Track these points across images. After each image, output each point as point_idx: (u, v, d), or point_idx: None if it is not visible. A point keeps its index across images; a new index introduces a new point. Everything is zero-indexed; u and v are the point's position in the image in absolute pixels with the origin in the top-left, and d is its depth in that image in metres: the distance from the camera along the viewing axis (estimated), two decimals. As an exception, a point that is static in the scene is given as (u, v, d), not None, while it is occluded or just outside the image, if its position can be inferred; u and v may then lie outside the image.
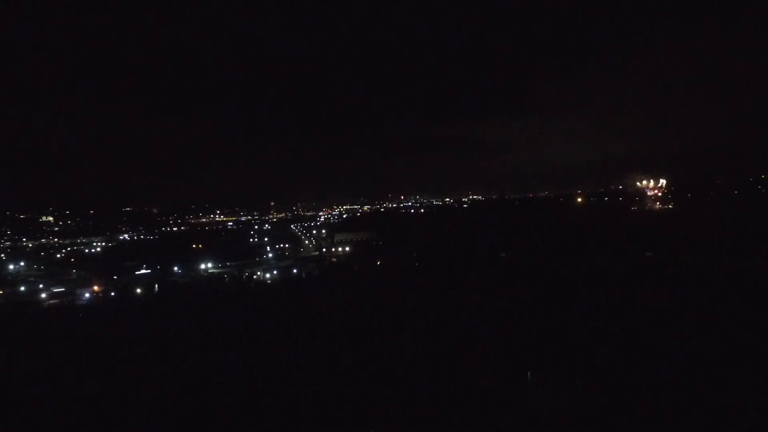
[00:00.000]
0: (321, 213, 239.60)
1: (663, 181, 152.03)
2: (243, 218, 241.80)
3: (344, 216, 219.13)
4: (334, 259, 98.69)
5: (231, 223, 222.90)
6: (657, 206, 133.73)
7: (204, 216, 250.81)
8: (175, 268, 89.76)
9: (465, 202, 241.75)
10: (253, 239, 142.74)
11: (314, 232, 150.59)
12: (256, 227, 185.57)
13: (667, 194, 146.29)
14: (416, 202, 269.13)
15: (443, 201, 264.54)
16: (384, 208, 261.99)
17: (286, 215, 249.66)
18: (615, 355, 31.17)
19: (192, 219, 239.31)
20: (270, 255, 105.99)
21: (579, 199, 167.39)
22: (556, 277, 59.86)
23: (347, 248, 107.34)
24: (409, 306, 48.93)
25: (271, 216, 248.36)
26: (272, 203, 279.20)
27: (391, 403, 27.06)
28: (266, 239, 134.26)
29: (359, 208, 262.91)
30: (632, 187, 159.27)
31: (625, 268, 62.29)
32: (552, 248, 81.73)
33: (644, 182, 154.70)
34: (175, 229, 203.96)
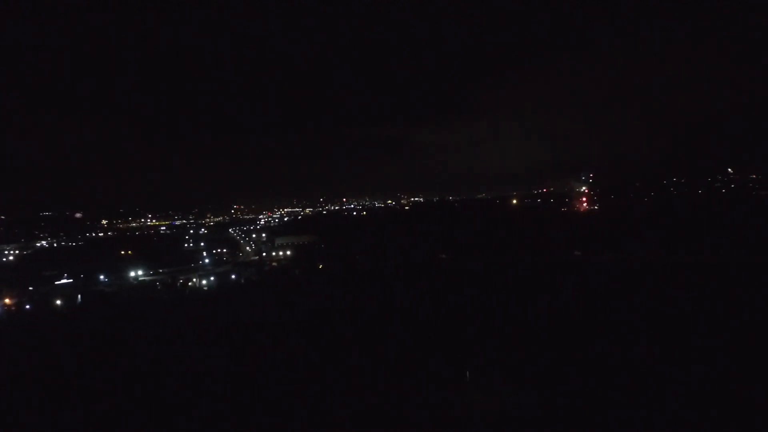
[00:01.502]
0: (261, 216, 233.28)
1: (587, 188, 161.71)
2: (177, 222, 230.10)
3: (285, 219, 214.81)
4: (274, 264, 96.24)
5: (164, 228, 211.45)
6: (585, 207, 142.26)
7: (134, 221, 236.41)
8: (102, 277, 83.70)
9: (406, 205, 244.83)
10: (188, 244, 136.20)
11: (254, 236, 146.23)
12: (191, 232, 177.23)
13: (594, 196, 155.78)
14: (359, 205, 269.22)
15: (385, 203, 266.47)
16: (326, 210, 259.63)
17: (224, 219, 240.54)
18: (550, 353, 32.29)
19: (121, 224, 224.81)
20: (206, 260, 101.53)
21: (514, 201, 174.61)
22: (493, 277, 61.80)
23: (288, 252, 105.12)
24: (350, 309, 48.57)
25: (208, 220, 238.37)
26: (209, 206, 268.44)
27: (331, 406, 26.66)
28: (202, 244, 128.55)
29: (301, 211, 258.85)
30: (563, 189, 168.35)
31: (556, 266, 65.57)
32: (489, 249, 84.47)
33: (574, 185, 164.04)
34: (101, 234, 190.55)
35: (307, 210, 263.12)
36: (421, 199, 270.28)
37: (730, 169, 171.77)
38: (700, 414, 23.19)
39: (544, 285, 54.31)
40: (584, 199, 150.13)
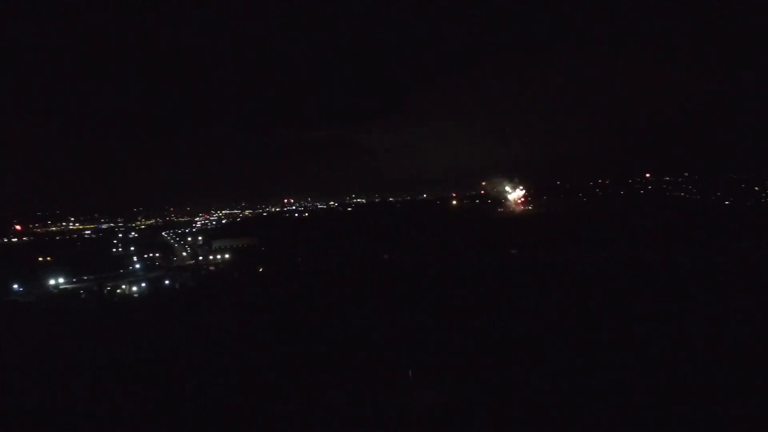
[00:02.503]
0: (197, 219, 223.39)
1: (521, 189, 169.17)
2: (104, 226, 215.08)
3: (224, 221, 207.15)
4: (212, 268, 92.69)
5: (89, 232, 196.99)
6: (520, 208, 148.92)
7: (54, 224, 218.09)
8: (15, 286, 76.52)
9: (349, 206, 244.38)
10: (117, 249, 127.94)
11: (189, 239, 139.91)
12: (120, 236, 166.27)
13: (528, 197, 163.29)
14: (300, 206, 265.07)
15: (328, 204, 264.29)
16: (267, 212, 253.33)
17: (157, 222, 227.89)
18: (492, 351, 33.04)
19: (38, 228, 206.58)
20: (137, 266, 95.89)
21: (454, 202, 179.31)
22: (434, 276, 63.11)
23: (227, 255, 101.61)
24: (292, 312, 47.74)
25: (139, 223, 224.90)
26: (140, 209, 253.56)
27: (274, 409, 26.05)
28: (132, 248, 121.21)
29: (240, 213, 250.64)
30: (499, 190, 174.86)
31: (494, 265, 68.14)
32: (431, 248, 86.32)
33: (509, 186, 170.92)
34: (15, 240, 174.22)
35: (247, 212, 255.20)
36: (364, 201, 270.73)
37: (647, 174, 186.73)
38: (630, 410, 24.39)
39: (484, 283, 56.20)
40: (519, 199, 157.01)
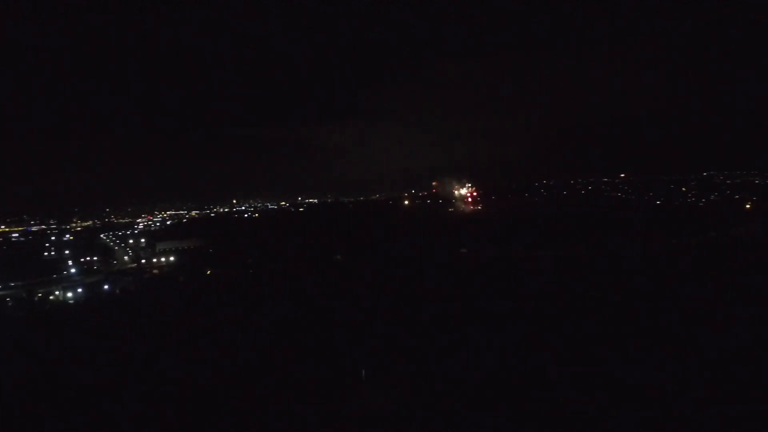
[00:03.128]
0: (140, 220, 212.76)
1: (471, 189, 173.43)
2: (34, 228, 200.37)
3: (168, 223, 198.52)
4: (156, 271, 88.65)
5: (17, 235, 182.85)
6: (470, 207, 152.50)
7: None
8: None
9: (301, 206, 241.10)
10: (49, 253, 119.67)
11: (131, 241, 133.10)
12: (53, 238, 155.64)
13: (477, 197, 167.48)
14: (250, 207, 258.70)
15: (279, 205, 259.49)
16: (215, 213, 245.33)
17: (95, 223, 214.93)
18: (444, 350, 33.53)
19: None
20: (73, 270, 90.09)
21: (406, 202, 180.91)
22: (387, 276, 63.47)
23: (172, 258, 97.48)
24: (241, 314, 46.53)
25: (74, 225, 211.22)
26: (75, 209, 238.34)
27: (221, 414, 25.30)
28: (67, 252, 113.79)
29: (186, 214, 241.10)
30: (450, 190, 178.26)
31: (446, 264, 69.44)
32: (383, 248, 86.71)
33: (460, 186, 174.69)
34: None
35: (193, 213, 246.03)
36: (316, 201, 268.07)
37: (587, 175, 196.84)
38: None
39: (436, 282, 57.09)
40: (469, 199, 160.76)
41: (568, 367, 28.95)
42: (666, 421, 22.99)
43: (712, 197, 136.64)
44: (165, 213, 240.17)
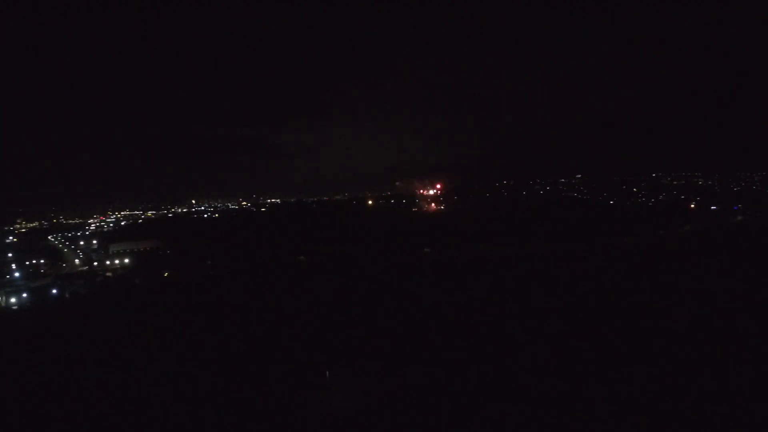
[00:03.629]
0: (92, 220, 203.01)
1: (434, 189, 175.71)
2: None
3: (123, 223, 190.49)
4: (109, 274, 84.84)
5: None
6: (433, 207, 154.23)
7: None
8: None
9: (263, 206, 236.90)
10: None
11: (82, 243, 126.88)
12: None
13: (440, 197, 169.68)
14: (210, 207, 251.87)
15: (240, 205, 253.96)
16: (172, 213, 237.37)
17: (41, 224, 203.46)
18: (406, 349, 33.62)
19: None
20: (17, 274, 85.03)
21: (370, 202, 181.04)
22: (351, 276, 63.33)
23: (126, 260, 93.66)
24: (200, 316, 45.29)
25: (18, 226, 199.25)
26: (19, 210, 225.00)
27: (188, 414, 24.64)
28: (10, 255, 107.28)
29: (142, 214, 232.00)
30: (413, 190, 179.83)
31: (409, 264, 69.98)
32: (347, 248, 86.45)
33: (423, 186, 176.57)
34: None
35: (150, 213, 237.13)
36: (278, 201, 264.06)
37: (545, 176, 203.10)
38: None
39: (400, 282, 57.40)
40: (432, 199, 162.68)
41: (529, 363, 29.72)
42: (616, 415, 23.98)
43: (661, 197, 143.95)
44: (119, 213, 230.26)
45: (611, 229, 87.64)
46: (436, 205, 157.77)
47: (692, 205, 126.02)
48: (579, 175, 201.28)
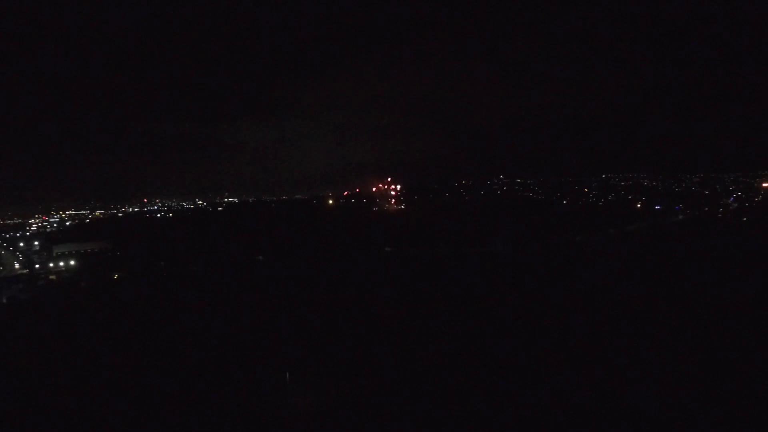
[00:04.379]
0: (33, 221, 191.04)
1: (394, 189, 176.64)
2: None
3: (68, 223, 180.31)
4: (53, 277, 79.97)
5: None
6: (393, 207, 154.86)
7: None
8: None
9: (220, 206, 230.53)
10: None
11: (22, 244, 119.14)
12: None
13: (400, 197, 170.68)
14: (163, 206, 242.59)
15: (196, 204, 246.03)
16: (122, 212, 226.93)
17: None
18: (366, 350, 33.63)
19: None
20: (-54, 279, 78.65)
21: (330, 201, 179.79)
22: (310, 276, 62.58)
23: (72, 262, 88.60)
24: (155, 318, 43.49)
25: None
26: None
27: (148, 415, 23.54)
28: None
29: (89, 214, 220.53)
30: (373, 189, 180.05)
31: (369, 263, 69.91)
32: (306, 248, 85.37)
33: (384, 185, 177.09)
34: None
35: (98, 212, 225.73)
36: (236, 200, 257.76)
37: (501, 176, 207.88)
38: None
39: (361, 281, 57.23)
40: (392, 199, 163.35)
41: (485, 359, 30.28)
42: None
43: (610, 197, 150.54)
44: (63, 213, 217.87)
45: (564, 228, 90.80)
46: (396, 204, 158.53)
47: (639, 205, 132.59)
48: (534, 176, 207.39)
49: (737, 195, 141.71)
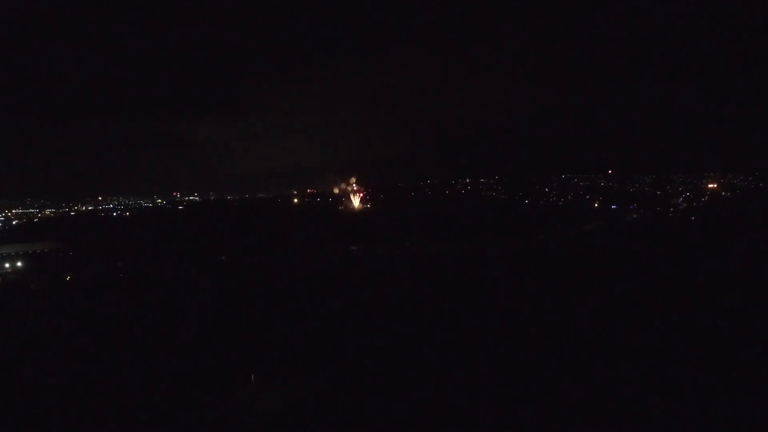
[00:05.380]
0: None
1: (360, 188, 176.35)
2: None
3: (15, 222, 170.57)
4: (-3, 279, 75.44)
5: None
6: (359, 206, 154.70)
7: None
8: None
9: (180, 204, 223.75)
10: None
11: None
12: None
13: (366, 195, 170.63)
14: (120, 205, 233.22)
15: (155, 203, 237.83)
16: (75, 211, 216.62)
17: None
18: (332, 350, 33.32)
19: None
20: None
21: (295, 200, 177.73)
22: (274, 277, 61.67)
23: (19, 263, 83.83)
24: (110, 320, 41.78)
25: None
26: None
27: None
28: None
29: (38, 212, 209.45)
30: (338, 188, 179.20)
31: (335, 262, 69.59)
32: (272, 247, 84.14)
33: (349, 185, 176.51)
34: None
35: (48, 212, 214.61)
36: (198, 198, 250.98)
37: (465, 176, 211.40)
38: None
39: (326, 281, 56.85)
40: (358, 198, 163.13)
41: (450, 359, 30.66)
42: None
43: (569, 197, 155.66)
44: (9, 212, 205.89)
45: (526, 227, 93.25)
46: (361, 203, 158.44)
47: (596, 204, 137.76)
48: (497, 176, 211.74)
49: (686, 195, 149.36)
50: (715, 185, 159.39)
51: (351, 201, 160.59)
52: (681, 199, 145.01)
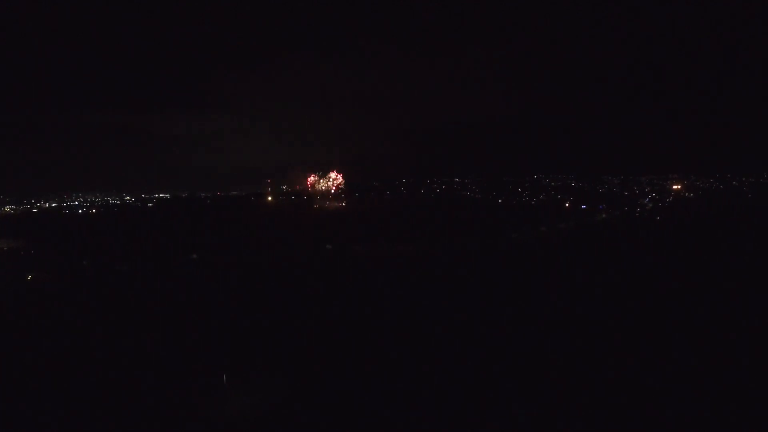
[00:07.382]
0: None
1: (335, 186, 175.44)
2: None
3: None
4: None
5: None
6: (334, 204, 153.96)
7: None
8: None
9: (149, 201, 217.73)
10: None
11: None
12: None
13: (341, 194, 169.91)
14: (86, 202, 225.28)
15: (123, 200, 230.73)
16: (38, 208, 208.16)
17: None
18: (307, 349, 32.92)
19: None
20: None
21: (269, 198, 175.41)
22: (247, 276, 60.80)
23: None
24: (78, 321, 40.34)
25: None
26: None
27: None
28: None
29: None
30: (312, 186, 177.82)
31: (310, 260, 69.06)
32: (245, 246, 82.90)
33: (324, 182, 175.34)
34: None
35: (7, 208, 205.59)
36: (168, 196, 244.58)
37: (440, 175, 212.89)
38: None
39: (301, 279, 56.38)
40: (332, 196, 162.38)
41: (432, 361, 30.70)
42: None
43: (542, 197, 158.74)
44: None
45: (499, 226, 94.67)
46: (337, 202, 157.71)
47: (567, 204, 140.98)
48: (471, 175, 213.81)
49: (652, 196, 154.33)
50: (679, 186, 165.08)
51: (326, 199, 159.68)
52: (647, 199, 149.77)
